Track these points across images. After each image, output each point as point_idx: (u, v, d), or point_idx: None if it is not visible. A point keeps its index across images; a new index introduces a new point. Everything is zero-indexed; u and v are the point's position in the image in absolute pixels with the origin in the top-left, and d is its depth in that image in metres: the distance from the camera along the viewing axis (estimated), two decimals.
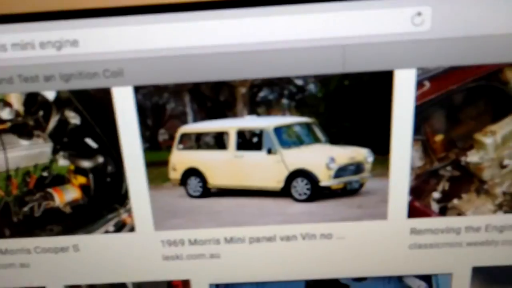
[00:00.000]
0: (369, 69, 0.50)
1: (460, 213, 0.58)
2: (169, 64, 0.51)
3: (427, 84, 0.52)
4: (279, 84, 0.52)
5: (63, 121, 0.54)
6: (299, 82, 0.52)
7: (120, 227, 0.58)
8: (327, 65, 0.51)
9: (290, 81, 0.52)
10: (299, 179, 0.56)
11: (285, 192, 0.57)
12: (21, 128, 0.53)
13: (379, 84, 0.52)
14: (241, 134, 0.55)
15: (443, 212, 0.58)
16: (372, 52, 0.49)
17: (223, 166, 0.56)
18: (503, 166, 0.56)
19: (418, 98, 0.52)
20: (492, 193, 0.57)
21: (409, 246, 0.59)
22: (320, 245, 0.59)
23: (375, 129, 0.53)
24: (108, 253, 0.60)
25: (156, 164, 0.55)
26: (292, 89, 0.52)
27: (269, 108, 0.53)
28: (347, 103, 0.53)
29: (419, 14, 0.49)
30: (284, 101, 0.53)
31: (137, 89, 0.52)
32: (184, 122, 0.53)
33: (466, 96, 0.53)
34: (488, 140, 0.55)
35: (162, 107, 0.52)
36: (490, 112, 0.54)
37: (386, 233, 0.59)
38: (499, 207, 0.57)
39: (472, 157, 0.55)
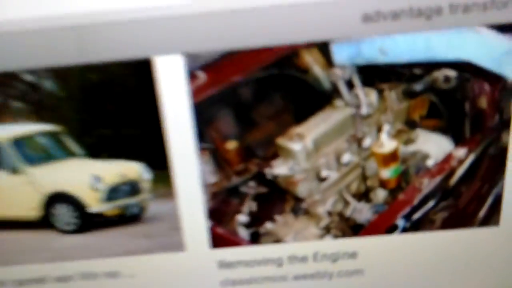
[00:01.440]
0: (116, 57, 0.35)
1: (278, 240, 0.46)
2: None
3: (201, 76, 0.40)
4: (2, 82, 0.40)
5: None
6: (30, 78, 0.40)
7: None
8: (58, 53, 0.34)
9: (17, 76, 0.40)
10: (60, 205, 0.44)
11: (46, 222, 0.45)
12: None
13: (137, 76, 0.40)
14: None
15: (255, 239, 0.45)
16: (115, 34, 0.34)
17: None
18: (321, 179, 0.44)
19: (194, 93, 0.40)
20: (313, 214, 0.45)
21: (220, 283, 0.48)
22: (105, 287, 0.48)
23: (145, 136, 0.41)
24: None
25: None
26: (22, 88, 0.40)
27: None
28: (100, 104, 0.41)
29: None
30: (16, 103, 0.41)
31: None
32: None
33: (256, 90, 0.40)
34: (295, 146, 0.42)
35: None
36: (291, 109, 0.41)
37: (188, 267, 0.47)
38: (326, 230, 0.46)
39: (279, 168, 0.43)
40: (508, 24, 0.37)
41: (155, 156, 0.41)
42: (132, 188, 0.42)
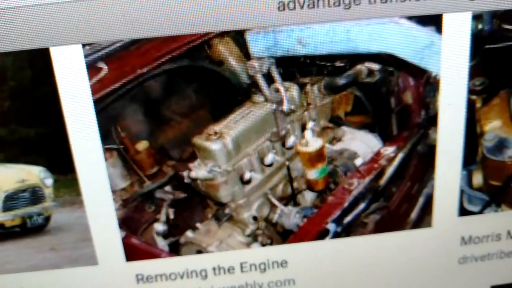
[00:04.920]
0: (9, 48, 0.28)
1: (200, 250, 0.40)
2: None
3: (104, 67, 0.35)
4: None
5: None
6: None
7: None
8: None
9: None
10: None
11: None
12: None
13: (32, 69, 0.34)
14: None
15: (175, 249, 0.38)
16: (7, 22, 0.28)
17: None
18: (245, 181, 0.40)
19: (95, 88, 0.34)
20: (238, 220, 0.40)
21: None
22: None
23: (45, 137, 0.36)
24: None
25: None
26: None
27: None
28: None
29: None
30: None
31: None
32: None
33: (166, 83, 0.36)
34: (214, 146, 0.37)
35: None
36: (207, 105, 0.37)
37: (101, 283, 0.41)
38: (254, 238, 0.41)
39: (198, 171, 0.39)
40: (427, 16, 0.35)
41: (57, 159, 0.35)
42: (33, 195, 0.36)
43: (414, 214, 0.38)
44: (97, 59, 0.31)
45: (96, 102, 0.33)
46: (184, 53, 0.32)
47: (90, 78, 0.33)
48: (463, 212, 0.39)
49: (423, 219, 0.39)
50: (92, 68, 0.32)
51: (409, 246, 0.40)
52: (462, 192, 0.38)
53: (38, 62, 0.32)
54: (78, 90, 0.33)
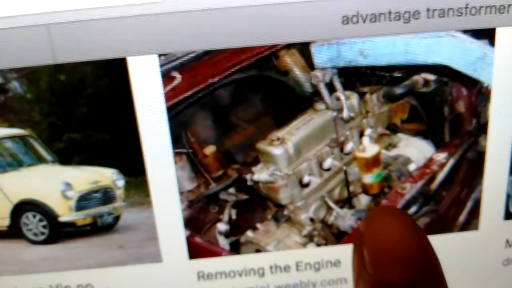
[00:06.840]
0: (89, 58, 0.31)
1: (259, 249, 0.41)
2: None
3: (177, 76, 0.37)
4: None
5: None
6: None
7: None
8: (28, 53, 0.30)
9: None
10: (29, 214, 0.38)
11: (15, 231, 0.40)
12: None
13: (110, 77, 0.36)
14: None
15: (235, 248, 0.39)
16: (88, 33, 0.30)
17: None
18: (303, 185, 0.41)
19: (168, 96, 0.35)
20: (296, 221, 0.42)
21: None
22: None
23: (119, 141, 0.37)
24: None
25: None
26: None
27: None
28: (71, 106, 0.37)
29: None
30: None
31: None
32: None
33: (235, 92, 0.37)
34: (276, 151, 0.38)
35: None
36: (272, 112, 0.38)
37: (165, 279, 0.42)
38: (309, 238, 0.42)
39: (260, 174, 0.40)
40: (481, 30, 0.36)
41: (129, 162, 0.37)
42: (105, 195, 0.38)
43: (462, 217, 0.39)
44: (172, 69, 0.33)
45: (169, 109, 0.35)
46: (253, 64, 0.33)
47: (164, 86, 0.35)
48: (508, 216, 0.40)
49: (471, 222, 0.40)
50: (166, 77, 0.34)
51: (457, 247, 0.42)
52: (508, 197, 0.40)
53: (115, 71, 0.34)
54: (153, 97, 0.35)
